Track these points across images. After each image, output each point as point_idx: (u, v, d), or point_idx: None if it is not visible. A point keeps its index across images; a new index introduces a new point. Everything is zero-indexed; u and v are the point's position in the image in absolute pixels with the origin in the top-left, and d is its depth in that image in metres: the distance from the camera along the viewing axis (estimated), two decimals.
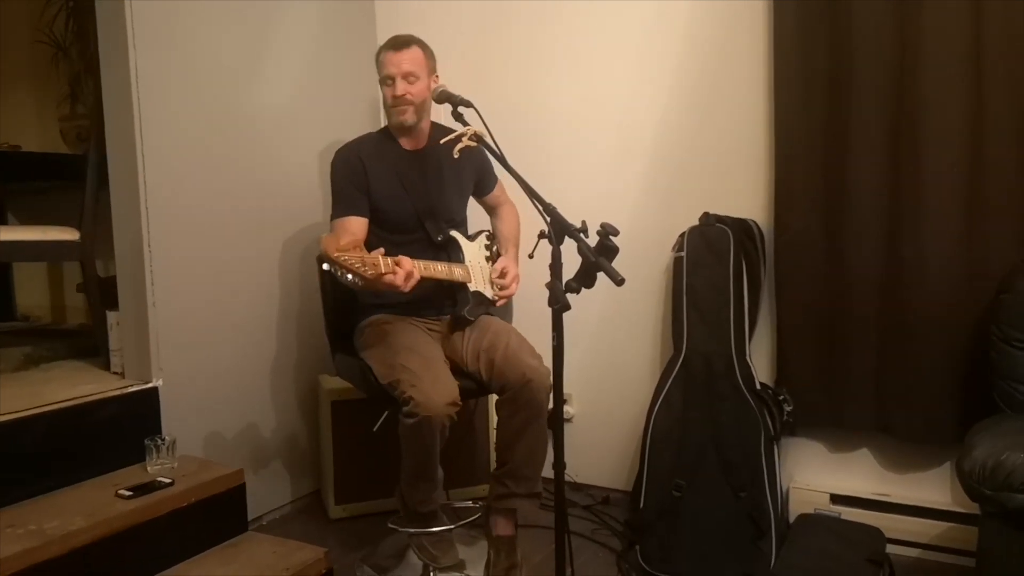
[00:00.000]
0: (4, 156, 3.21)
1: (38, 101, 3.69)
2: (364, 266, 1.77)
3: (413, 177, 2.26)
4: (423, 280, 2.00)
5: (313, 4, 2.87)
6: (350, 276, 1.76)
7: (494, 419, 2.30)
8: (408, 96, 2.17)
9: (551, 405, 2.08)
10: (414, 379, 1.98)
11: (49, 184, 3.24)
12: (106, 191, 2.41)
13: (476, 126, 1.93)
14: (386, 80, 2.19)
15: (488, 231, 2.45)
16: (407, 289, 1.89)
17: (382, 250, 1.86)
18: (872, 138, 2.28)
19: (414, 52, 2.20)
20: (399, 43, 2.21)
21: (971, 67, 2.14)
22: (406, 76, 2.17)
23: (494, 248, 2.42)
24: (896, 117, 2.25)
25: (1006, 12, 2.09)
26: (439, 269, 2.14)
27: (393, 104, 2.19)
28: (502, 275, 2.27)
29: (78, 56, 3.34)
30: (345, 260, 1.74)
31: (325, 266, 1.76)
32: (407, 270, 1.88)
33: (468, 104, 2.01)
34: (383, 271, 1.82)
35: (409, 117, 2.20)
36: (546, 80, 2.88)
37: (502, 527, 2.18)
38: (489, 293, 2.30)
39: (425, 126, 2.28)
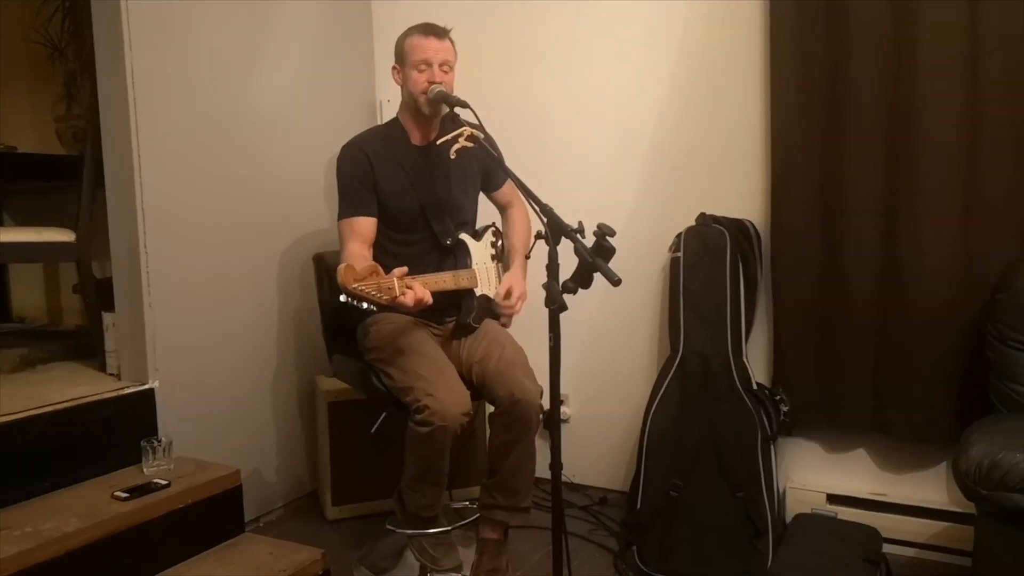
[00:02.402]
0: (0, 157, 3.21)
1: (34, 101, 3.68)
2: (379, 292, 1.77)
3: (421, 173, 2.22)
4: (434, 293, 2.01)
5: (310, 4, 2.87)
6: (365, 305, 1.76)
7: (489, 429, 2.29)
8: (444, 84, 2.13)
9: (546, 409, 2.08)
10: (429, 387, 1.97)
11: (45, 185, 3.22)
12: (102, 192, 2.41)
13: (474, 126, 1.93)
14: (420, 65, 2.13)
15: (494, 226, 2.41)
16: (412, 309, 1.89)
17: (403, 270, 1.85)
18: (868, 139, 2.28)
19: (450, 44, 2.18)
20: (439, 31, 2.16)
21: (967, 68, 2.15)
22: (442, 65, 2.14)
23: (499, 244, 2.38)
24: (893, 118, 2.26)
25: (1002, 14, 2.10)
26: (446, 281, 2.12)
27: (425, 90, 2.12)
28: (507, 295, 2.22)
29: (74, 56, 3.33)
30: (362, 291, 1.74)
31: (343, 298, 1.75)
32: (418, 296, 1.86)
33: (465, 104, 2.01)
34: (396, 295, 1.81)
35: (439, 109, 2.16)
36: (543, 81, 2.88)
37: (488, 532, 2.17)
38: (493, 295, 2.28)
39: (439, 119, 2.24)
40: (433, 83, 2.11)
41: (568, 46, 2.82)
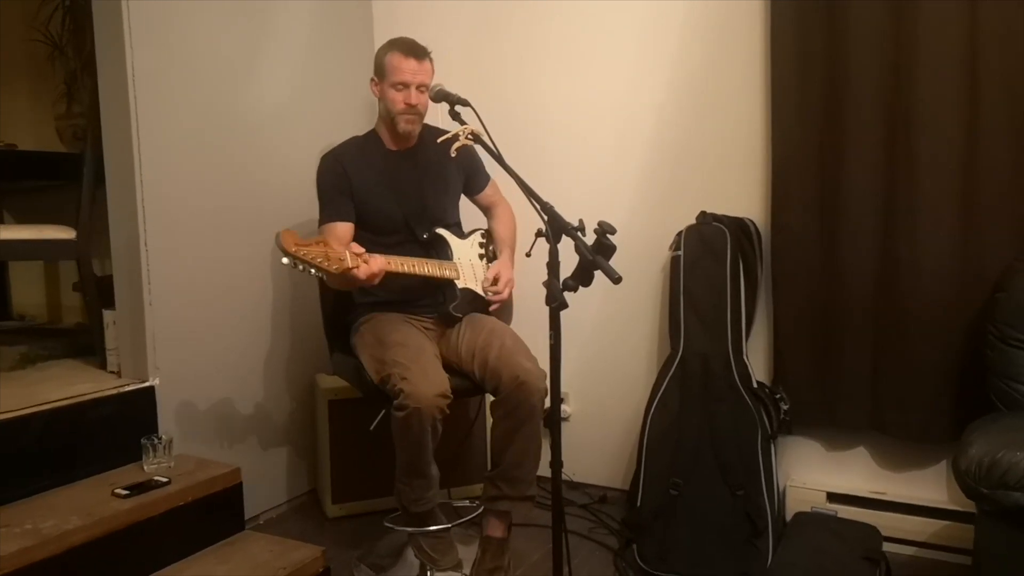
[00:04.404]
0: (0, 155, 3.21)
1: (34, 100, 3.68)
2: (328, 260, 1.80)
3: (397, 177, 2.28)
4: (407, 276, 2.09)
5: (310, 4, 2.87)
6: (312, 271, 1.80)
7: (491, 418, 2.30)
8: (419, 107, 2.22)
9: (547, 407, 2.09)
10: (404, 371, 1.99)
11: (45, 183, 3.23)
12: (102, 190, 2.41)
13: (473, 125, 1.93)
14: (398, 85, 2.21)
15: (483, 230, 2.45)
16: (370, 284, 1.96)
17: (358, 249, 1.92)
18: (868, 138, 2.29)
19: (429, 65, 2.24)
20: (419, 51, 2.22)
21: (967, 68, 2.15)
22: (419, 86, 2.21)
23: (490, 247, 2.42)
24: (892, 117, 2.26)
25: (1001, 14, 2.10)
26: (422, 265, 2.17)
27: (403, 112, 2.22)
28: (495, 281, 2.29)
29: (74, 54, 3.33)
30: (305, 255, 1.77)
31: (284, 260, 1.80)
32: (372, 271, 1.92)
33: (465, 103, 2.02)
34: (348, 266, 1.86)
35: (416, 127, 2.26)
36: (543, 79, 2.88)
37: (493, 528, 2.17)
38: (481, 291, 2.30)
39: (415, 138, 2.32)
40: (409, 104, 2.20)
41: (568, 45, 2.82)
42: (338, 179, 2.24)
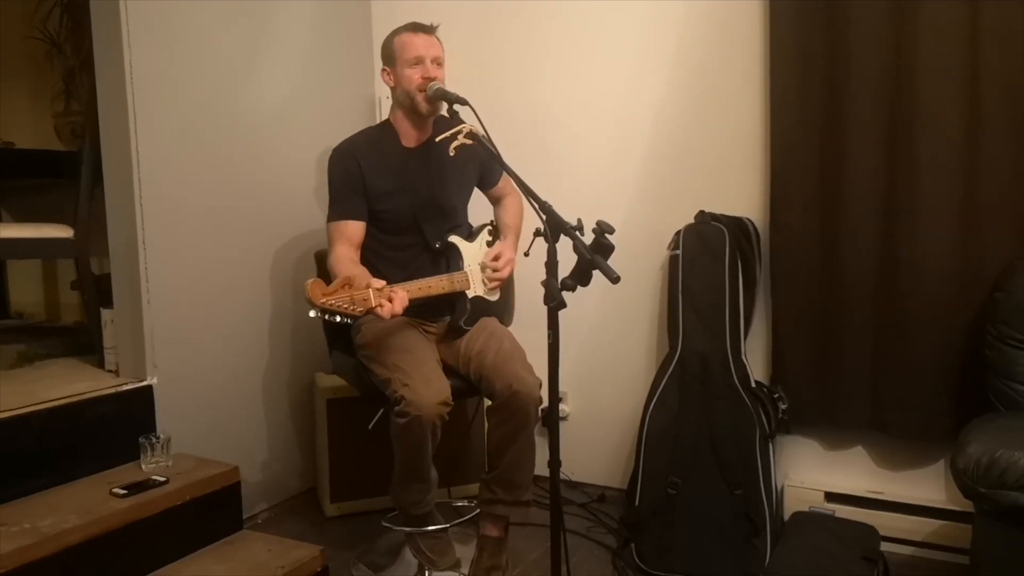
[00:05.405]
0: None
1: (32, 97, 3.67)
2: (353, 304, 1.79)
3: (412, 175, 2.21)
4: (422, 299, 2.04)
5: (310, 4, 2.86)
6: (338, 318, 1.78)
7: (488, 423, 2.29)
8: (438, 81, 2.12)
9: (541, 413, 2.10)
10: (406, 378, 1.97)
11: (43, 181, 3.22)
12: (101, 188, 2.40)
13: (472, 124, 1.93)
14: (413, 61, 2.11)
15: (490, 225, 2.40)
16: (387, 321, 1.90)
17: (378, 284, 1.85)
18: (868, 138, 2.29)
19: (438, 40, 2.17)
20: (427, 27, 2.16)
21: (967, 68, 2.15)
22: (434, 60, 2.13)
23: (495, 242, 2.38)
24: (892, 117, 2.26)
25: (1001, 14, 2.10)
26: (437, 284, 2.13)
27: (422, 86, 2.10)
28: (496, 258, 2.23)
29: (72, 52, 3.33)
30: (333, 304, 1.75)
31: (312, 313, 1.76)
32: (395, 310, 1.86)
33: (464, 102, 2.01)
34: (372, 305, 1.82)
35: (437, 105, 2.15)
36: (543, 79, 2.87)
37: (489, 528, 2.17)
38: (490, 296, 2.28)
39: (432, 120, 2.23)
40: (428, 78, 2.11)
41: (568, 45, 2.82)
42: (351, 176, 2.16)
